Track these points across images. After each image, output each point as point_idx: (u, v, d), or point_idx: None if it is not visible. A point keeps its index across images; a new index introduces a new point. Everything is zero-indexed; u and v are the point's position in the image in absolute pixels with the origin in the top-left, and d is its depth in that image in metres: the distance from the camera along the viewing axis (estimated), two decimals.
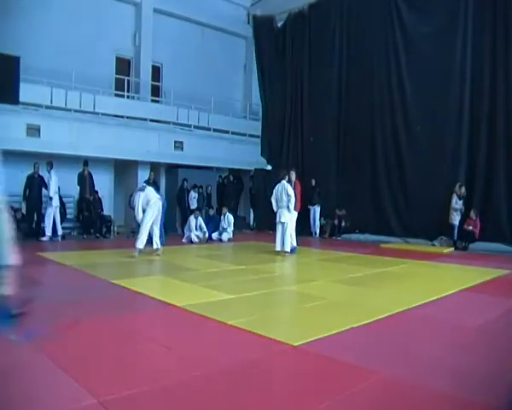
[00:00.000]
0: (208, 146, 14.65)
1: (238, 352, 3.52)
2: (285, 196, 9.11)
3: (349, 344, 3.74)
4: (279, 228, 9.26)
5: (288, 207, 9.11)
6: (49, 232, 10.93)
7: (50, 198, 10.93)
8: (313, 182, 13.59)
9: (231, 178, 15.80)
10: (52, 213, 10.95)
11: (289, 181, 9.45)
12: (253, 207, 16.21)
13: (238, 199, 15.81)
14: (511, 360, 3.50)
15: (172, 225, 14.29)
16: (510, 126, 10.68)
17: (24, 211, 11.14)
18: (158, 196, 8.95)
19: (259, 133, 16.53)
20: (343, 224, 13.45)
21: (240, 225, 14.59)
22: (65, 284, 6.08)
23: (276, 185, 9.44)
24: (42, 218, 11.29)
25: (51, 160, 11.00)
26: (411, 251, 10.26)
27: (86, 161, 11.98)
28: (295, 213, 9.53)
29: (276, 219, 9.36)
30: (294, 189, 9.43)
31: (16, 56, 10.86)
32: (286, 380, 3.04)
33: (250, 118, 16.89)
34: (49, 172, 10.91)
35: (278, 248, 9.23)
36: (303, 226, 12.44)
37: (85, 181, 12.01)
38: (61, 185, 11.21)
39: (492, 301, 5.57)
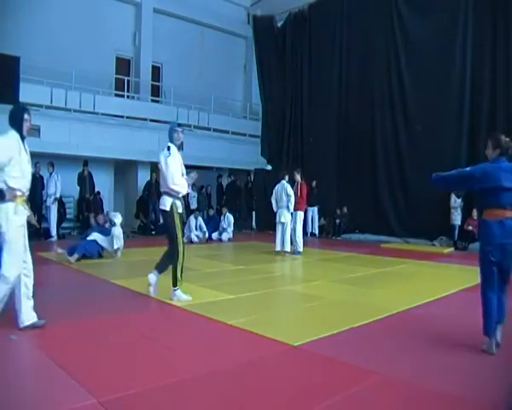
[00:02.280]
0: (208, 146, 14.65)
1: (238, 352, 3.52)
2: (285, 196, 9.10)
3: (349, 344, 3.75)
4: (279, 228, 9.26)
5: (287, 207, 9.12)
6: (54, 232, 10.99)
7: (56, 199, 10.96)
8: (314, 183, 13.47)
9: (230, 179, 15.80)
10: (55, 213, 11.02)
11: (294, 181, 9.45)
12: (246, 207, 16.03)
13: (236, 200, 15.71)
14: (510, 359, 3.50)
15: None
16: (510, 126, 10.66)
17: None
18: None
19: (259, 133, 16.52)
20: (343, 224, 13.46)
21: (240, 225, 14.58)
22: (65, 284, 6.09)
23: (275, 185, 9.44)
24: (43, 218, 11.31)
25: (52, 160, 11.01)
26: (411, 251, 10.26)
27: (86, 161, 11.98)
28: (301, 215, 9.52)
29: (276, 219, 9.36)
30: (301, 189, 9.42)
31: (16, 56, 10.86)
32: (286, 380, 3.04)
33: (250, 118, 16.89)
34: (50, 174, 10.92)
35: (278, 248, 9.23)
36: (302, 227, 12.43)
37: (85, 181, 12.02)
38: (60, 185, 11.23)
39: None
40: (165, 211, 5.03)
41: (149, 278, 5.13)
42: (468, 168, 3.75)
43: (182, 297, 5.00)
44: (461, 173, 3.75)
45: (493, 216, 3.51)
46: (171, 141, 5.22)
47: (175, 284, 5.01)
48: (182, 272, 5.02)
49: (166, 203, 4.99)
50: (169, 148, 5.11)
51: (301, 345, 3.61)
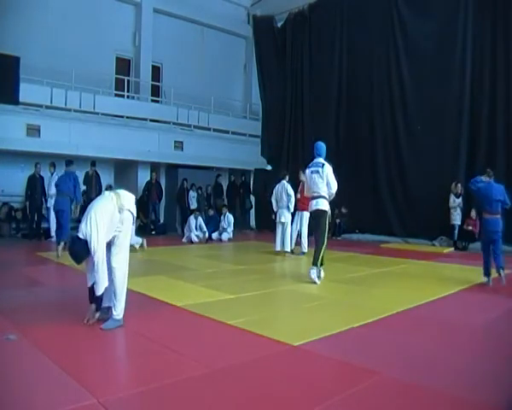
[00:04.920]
0: (208, 146, 14.64)
1: (238, 352, 3.52)
2: (285, 196, 9.11)
3: (349, 344, 3.75)
4: (279, 228, 9.26)
5: (287, 207, 9.12)
6: (53, 233, 10.94)
7: None
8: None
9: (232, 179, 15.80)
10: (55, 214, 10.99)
11: (299, 181, 9.45)
12: (241, 206, 15.96)
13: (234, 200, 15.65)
14: (511, 359, 3.50)
15: (172, 225, 14.30)
16: (510, 126, 10.68)
17: (28, 211, 11.10)
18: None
19: (259, 133, 16.51)
20: (343, 224, 13.45)
21: (240, 224, 14.57)
22: (65, 285, 6.09)
23: (276, 185, 9.44)
24: (43, 218, 11.30)
25: (54, 161, 11.00)
26: (411, 251, 10.26)
27: (94, 162, 11.97)
28: (307, 215, 9.51)
29: (276, 219, 9.36)
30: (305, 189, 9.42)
31: (16, 56, 10.85)
32: (286, 380, 3.04)
33: (250, 118, 16.87)
34: (51, 174, 10.91)
35: (278, 248, 9.23)
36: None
37: (91, 181, 11.99)
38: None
39: (492, 301, 5.57)
40: (323, 211, 6.38)
41: (312, 274, 6.18)
42: (475, 188, 6.58)
43: (315, 276, 6.15)
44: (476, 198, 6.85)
45: (487, 216, 6.32)
46: (324, 156, 6.63)
47: (320, 264, 6.28)
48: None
49: (326, 205, 6.42)
50: (328, 162, 6.52)
51: (301, 345, 3.61)
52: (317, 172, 6.43)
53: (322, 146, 6.72)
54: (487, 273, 6.30)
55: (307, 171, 6.67)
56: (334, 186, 6.40)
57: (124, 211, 4.00)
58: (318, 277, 6.21)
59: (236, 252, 10.65)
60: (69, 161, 9.09)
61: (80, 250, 3.79)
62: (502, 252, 6.35)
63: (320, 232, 6.40)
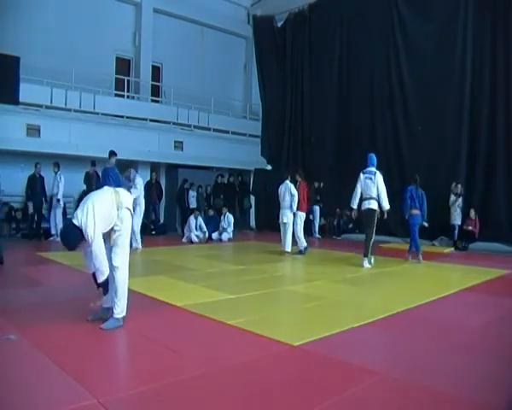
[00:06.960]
0: (208, 146, 14.64)
1: (238, 352, 3.52)
2: (288, 195, 9.13)
3: (349, 344, 3.75)
4: (282, 228, 9.29)
5: (290, 207, 9.13)
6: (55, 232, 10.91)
7: (58, 200, 10.93)
8: (321, 184, 13.63)
9: (232, 178, 15.79)
10: (60, 213, 10.98)
11: (294, 181, 9.48)
12: (239, 206, 15.94)
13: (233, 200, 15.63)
14: (511, 359, 3.50)
15: (172, 225, 14.30)
16: (510, 126, 10.68)
17: (31, 210, 11.05)
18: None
19: (259, 133, 16.52)
20: (343, 224, 13.44)
21: (240, 225, 14.56)
22: (65, 285, 6.08)
23: (279, 186, 9.45)
24: (43, 218, 11.29)
25: (57, 161, 11.00)
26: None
27: (94, 162, 11.97)
28: (303, 215, 9.54)
29: (278, 219, 9.40)
30: (300, 189, 9.45)
31: (16, 56, 10.85)
32: (286, 380, 3.04)
33: (250, 118, 16.87)
34: (55, 174, 10.90)
35: (287, 248, 9.24)
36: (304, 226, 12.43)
37: (92, 180, 11.99)
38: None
39: (492, 301, 5.57)
40: (374, 209, 7.84)
41: (365, 264, 7.73)
42: (405, 195, 8.54)
43: (367, 264, 7.70)
44: (405, 198, 8.55)
45: (415, 211, 8.45)
46: (375, 165, 7.99)
47: (366, 255, 7.75)
48: (372, 247, 7.91)
49: (376, 205, 7.83)
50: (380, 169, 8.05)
51: (301, 345, 3.61)
52: (370, 178, 7.86)
53: (374, 158, 8.07)
54: (418, 249, 8.43)
55: (361, 176, 7.96)
56: (383, 190, 7.83)
57: (122, 209, 3.97)
58: (370, 263, 7.73)
59: (236, 252, 10.65)
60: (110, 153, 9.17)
61: (73, 237, 3.74)
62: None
63: (370, 228, 7.89)
